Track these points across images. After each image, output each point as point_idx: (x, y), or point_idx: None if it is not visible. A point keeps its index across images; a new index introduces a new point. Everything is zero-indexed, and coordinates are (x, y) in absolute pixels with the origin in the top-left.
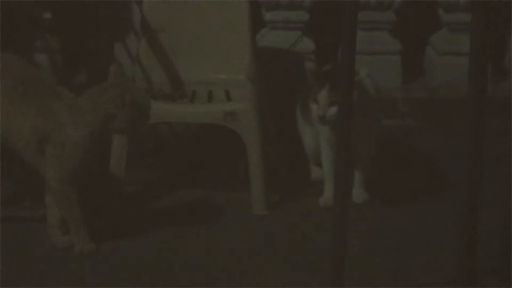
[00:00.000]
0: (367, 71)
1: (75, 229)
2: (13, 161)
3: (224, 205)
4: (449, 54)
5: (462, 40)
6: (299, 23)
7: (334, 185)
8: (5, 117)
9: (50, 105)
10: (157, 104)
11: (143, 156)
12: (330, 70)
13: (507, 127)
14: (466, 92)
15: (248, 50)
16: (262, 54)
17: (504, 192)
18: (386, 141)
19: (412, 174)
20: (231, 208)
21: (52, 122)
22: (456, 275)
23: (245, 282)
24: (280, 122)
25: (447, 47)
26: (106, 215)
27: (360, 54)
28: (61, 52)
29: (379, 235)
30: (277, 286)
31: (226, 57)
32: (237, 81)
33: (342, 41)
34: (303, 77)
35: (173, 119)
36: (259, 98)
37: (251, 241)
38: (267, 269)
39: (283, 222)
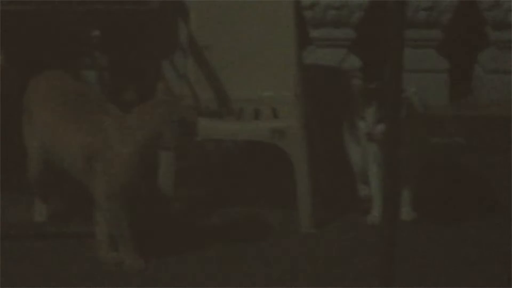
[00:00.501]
0: (415, 89)
1: (124, 245)
2: (62, 178)
3: (271, 223)
4: (497, 72)
5: (510, 58)
6: (346, 40)
7: (382, 203)
8: (54, 134)
9: (99, 122)
10: (204, 121)
11: (190, 173)
12: (377, 88)
13: None
14: None
15: (295, 68)
16: (309, 72)
17: None
18: (434, 159)
19: (459, 193)
20: (278, 225)
21: (101, 139)
22: None
23: None
24: (327, 140)
25: (495, 65)
26: (154, 231)
27: (407, 71)
28: (110, 69)
29: (426, 254)
30: None
31: (273, 74)
32: (284, 99)
33: (389, 59)
34: (349, 95)
35: (220, 136)
36: (306, 115)
37: (299, 259)
38: (315, 286)
39: (331, 240)
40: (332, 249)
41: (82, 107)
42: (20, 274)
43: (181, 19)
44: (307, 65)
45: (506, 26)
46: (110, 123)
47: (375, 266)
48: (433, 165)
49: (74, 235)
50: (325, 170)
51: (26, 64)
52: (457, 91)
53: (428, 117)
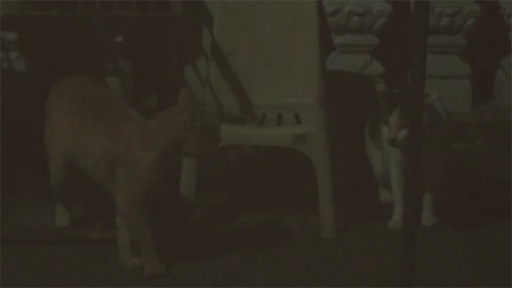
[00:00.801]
0: (437, 94)
1: (146, 251)
2: (83, 183)
3: (293, 228)
4: None
5: None
6: (369, 46)
7: (403, 208)
8: (76, 140)
9: (121, 128)
10: (226, 127)
11: (212, 179)
12: (400, 93)
13: None
14: None
15: (318, 74)
16: (332, 78)
17: None
18: (456, 164)
19: (481, 198)
20: (300, 231)
21: (123, 144)
22: None
23: None
24: (350, 145)
25: None
26: (176, 237)
27: (429, 77)
28: (133, 75)
29: (447, 259)
30: None
31: (295, 80)
32: (306, 105)
33: (412, 65)
34: (372, 100)
35: (242, 142)
36: (329, 121)
37: (320, 264)
38: None
39: (352, 245)
40: (353, 254)
41: (105, 113)
42: (42, 278)
43: (205, 25)
44: (330, 71)
45: None
46: (133, 129)
47: (396, 271)
48: (455, 170)
49: (95, 241)
50: (346, 176)
51: (49, 70)
52: (479, 97)
53: (451, 123)
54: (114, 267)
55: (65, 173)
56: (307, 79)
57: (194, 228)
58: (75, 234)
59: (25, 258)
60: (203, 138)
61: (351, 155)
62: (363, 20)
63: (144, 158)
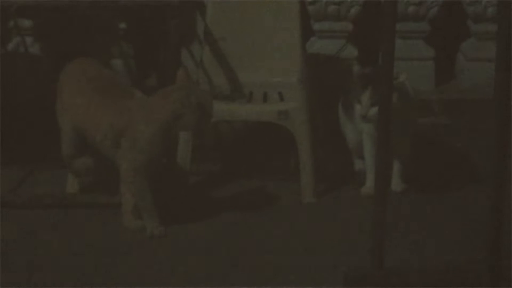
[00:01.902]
0: (406, 75)
1: (147, 214)
2: (92, 153)
3: (277, 194)
4: (477, 60)
5: (489, 48)
6: (344, 32)
7: (375, 176)
8: (85, 115)
9: (125, 104)
10: (218, 104)
11: (205, 150)
12: (372, 72)
13: None
14: (493, 94)
15: (299, 56)
16: (312, 60)
17: None
18: (421, 137)
19: (444, 167)
20: (283, 196)
21: (126, 119)
22: (481, 257)
23: (297, 262)
24: (327, 120)
25: (475, 54)
26: (174, 202)
27: (397, 60)
28: (135, 57)
29: (413, 220)
30: (327, 265)
31: (280, 62)
32: (289, 84)
33: (382, 48)
34: (346, 80)
35: (232, 118)
36: (309, 99)
37: (300, 225)
38: (316, 250)
39: (329, 209)
40: (330, 217)
41: (110, 90)
42: (54, 240)
43: (199, 14)
44: (310, 54)
45: (485, 19)
46: (135, 105)
47: (369, 230)
48: (421, 142)
49: (102, 205)
50: (324, 148)
51: (60, 53)
52: (442, 77)
53: (417, 100)
54: (120, 228)
55: (75, 144)
56: (290, 61)
57: (189, 193)
58: (84, 199)
59: (37, 220)
60: (198, 114)
61: (329, 129)
62: (339, 8)
63: (145, 131)
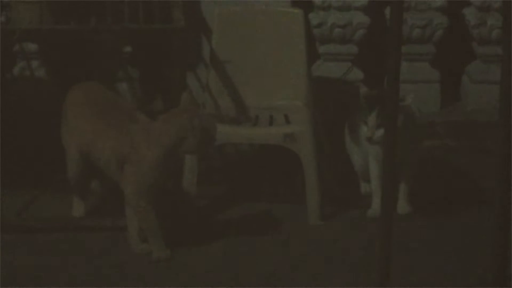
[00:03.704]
0: (412, 98)
1: (152, 237)
2: (97, 177)
3: (283, 217)
4: (482, 83)
5: (494, 70)
6: (350, 55)
7: (381, 197)
8: (90, 138)
9: (128, 128)
10: (224, 127)
11: (212, 173)
12: (378, 95)
13: None
14: (497, 116)
15: (305, 80)
16: (317, 83)
17: None
18: (427, 159)
19: (449, 189)
20: (289, 219)
21: (130, 143)
22: (489, 277)
23: (303, 283)
24: (333, 143)
25: (480, 76)
26: (180, 225)
27: (403, 82)
28: (140, 81)
29: (419, 243)
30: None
31: (285, 85)
32: (295, 107)
33: (387, 71)
34: (352, 102)
35: (238, 140)
36: (315, 121)
37: (307, 248)
38: (322, 271)
39: (336, 232)
40: (336, 239)
41: (114, 115)
42: (60, 263)
43: (204, 36)
44: (315, 77)
45: (490, 42)
46: (139, 129)
47: (374, 253)
48: (426, 164)
49: (107, 229)
50: (331, 170)
51: (66, 77)
52: (447, 99)
53: (422, 122)
54: (125, 252)
55: (81, 167)
56: (295, 84)
57: (195, 216)
58: (89, 223)
59: (44, 244)
60: (201, 137)
61: (335, 152)
62: (345, 31)
63: (148, 155)
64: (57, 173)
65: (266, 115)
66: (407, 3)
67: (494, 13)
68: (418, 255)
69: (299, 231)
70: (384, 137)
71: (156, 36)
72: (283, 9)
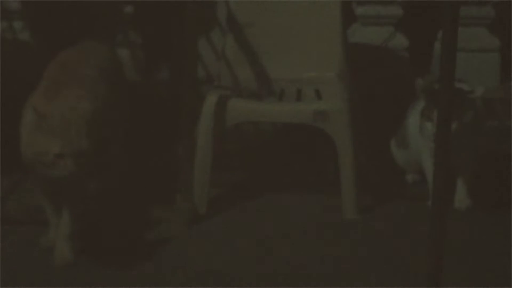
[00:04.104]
0: (483, 90)
1: (57, 231)
2: None
3: (312, 210)
4: None
5: None
6: (392, 18)
7: (432, 191)
8: None
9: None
10: (243, 103)
11: (228, 157)
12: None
13: None
14: None
15: (339, 47)
16: (354, 51)
17: None
18: (488, 146)
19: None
20: (320, 212)
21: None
22: None
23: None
24: (371, 123)
25: None
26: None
27: (457, 51)
28: (143, 47)
29: (477, 242)
30: None
31: (316, 54)
32: (327, 79)
33: (443, 46)
34: (397, 77)
35: (259, 119)
36: (351, 97)
37: (341, 247)
38: (361, 277)
39: (376, 228)
40: (377, 238)
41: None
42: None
43: None
44: (351, 44)
45: None
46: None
47: (422, 253)
48: (487, 151)
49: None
50: (369, 154)
51: (53, 41)
52: (508, 72)
53: (482, 100)
54: None
55: None
56: (328, 52)
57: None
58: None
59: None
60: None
61: (373, 133)
62: None
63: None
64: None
65: (293, 89)
66: None
67: None
68: (475, 257)
69: (332, 227)
70: (437, 126)
71: None
72: None
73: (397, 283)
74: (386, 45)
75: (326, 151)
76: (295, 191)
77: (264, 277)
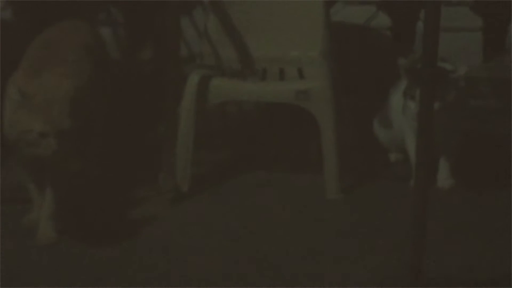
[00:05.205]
0: (465, 69)
1: (40, 209)
2: None
3: (294, 189)
4: None
5: None
6: None
7: (415, 171)
8: None
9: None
10: (225, 82)
11: (211, 136)
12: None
13: None
14: None
15: (322, 26)
16: (336, 30)
17: None
18: (471, 124)
19: (496, 159)
20: (301, 191)
21: None
22: None
23: (320, 271)
24: (355, 102)
25: None
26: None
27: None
28: (125, 25)
29: (460, 221)
30: (357, 277)
31: (298, 33)
32: (310, 58)
33: (426, 23)
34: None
35: (242, 98)
36: (333, 76)
37: (324, 227)
38: (343, 258)
39: (358, 207)
40: (359, 217)
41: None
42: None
43: None
44: (334, 23)
45: None
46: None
47: (406, 234)
48: (470, 131)
49: None
50: (351, 134)
51: (34, 19)
52: (490, 52)
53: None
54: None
55: None
56: (310, 31)
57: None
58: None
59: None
60: None
61: (355, 113)
62: None
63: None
64: None
65: (275, 68)
66: None
67: None
68: (458, 238)
69: (313, 206)
70: (419, 108)
71: None
72: None
73: (380, 262)
74: (369, 25)
75: (309, 131)
76: (278, 170)
77: (246, 254)
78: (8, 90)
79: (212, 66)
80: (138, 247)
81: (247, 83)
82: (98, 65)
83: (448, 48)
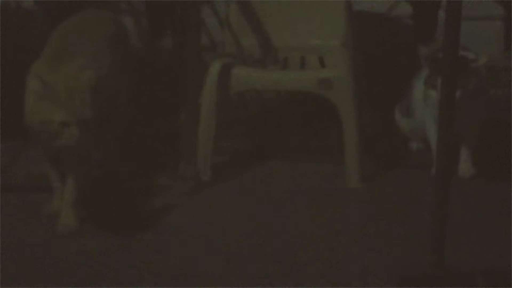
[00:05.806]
0: (486, 59)
1: (61, 198)
2: None
3: (316, 178)
4: None
5: None
6: None
7: (436, 160)
8: None
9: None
10: (247, 71)
11: (232, 125)
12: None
13: None
14: None
15: (343, 15)
16: (358, 19)
17: None
18: (491, 114)
19: None
20: (323, 180)
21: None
22: None
23: (341, 260)
24: (376, 91)
25: None
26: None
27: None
28: (147, 15)
29: (481, 211)
30: (378, 264)
31: (320, 22)
32: (331, 47)
33: (447, 17)
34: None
35: (263, 87)
36: (355, 65)
37: (345, 216)
38: (364, 246)
39: (379, 196)
40: (380, 206)
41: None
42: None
43: None
44: (356, 12)
45: None
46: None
47: (427, 223)
48: (490, 120)
49: None
50: (372, 123)
51: (57, 9)
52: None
53: (486, 69)
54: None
55: None
56: (332, 20)
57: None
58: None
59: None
60: None
61: (377, 101)
62: None
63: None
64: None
65: (296, 57)
66: None
67: None
68: (479, 227)
69: (334, 195)
70: (440, 97)
71: None
72: None
73: (401, 250)
74: (391, 14)
75: (330, 119)
76: (298, 159)
77: (266, 243)
78: (29, 80)
79: (234, 55)
80: (157, 235)
81: (269, 72)
82: (120, 54)
83: (469, 37)
